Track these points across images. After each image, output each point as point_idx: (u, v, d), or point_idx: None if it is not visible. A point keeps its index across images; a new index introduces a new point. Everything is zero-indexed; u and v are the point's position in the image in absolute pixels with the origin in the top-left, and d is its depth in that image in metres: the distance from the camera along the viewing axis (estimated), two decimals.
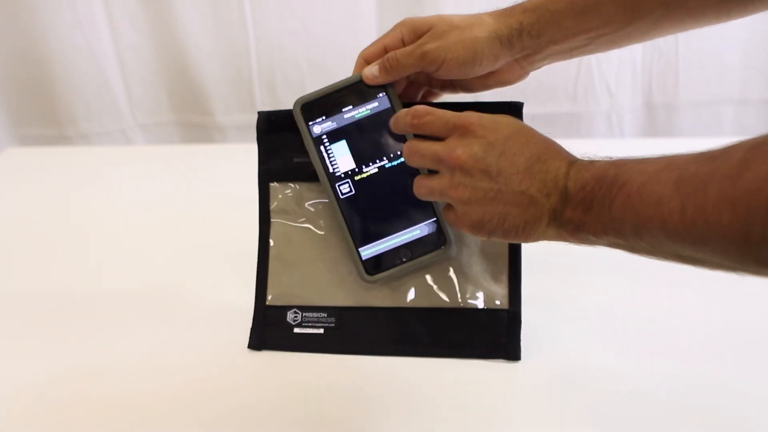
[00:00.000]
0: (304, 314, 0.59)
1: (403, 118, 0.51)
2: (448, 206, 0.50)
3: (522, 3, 0.52)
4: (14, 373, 0.56)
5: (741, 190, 0.32)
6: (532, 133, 0.47)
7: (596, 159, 0.44)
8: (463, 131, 0.47)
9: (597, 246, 0.44)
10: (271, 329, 0.58)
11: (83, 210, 0.86)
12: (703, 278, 0.63)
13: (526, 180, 0.45)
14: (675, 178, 0.36)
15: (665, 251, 0.39)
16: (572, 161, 0.45)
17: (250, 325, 0.59)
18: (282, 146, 0.59)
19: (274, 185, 0.60)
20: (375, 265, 0.57)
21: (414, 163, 0.51)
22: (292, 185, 0.60)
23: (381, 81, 0.54)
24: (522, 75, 0.55)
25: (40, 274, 0.72)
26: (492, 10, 0.53)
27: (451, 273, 0.58)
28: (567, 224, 0.44)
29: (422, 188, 0.51)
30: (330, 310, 0.58)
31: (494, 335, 0.56)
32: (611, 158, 0.43)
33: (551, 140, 0.48)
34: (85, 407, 0.52)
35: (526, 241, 0.47)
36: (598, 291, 0.64)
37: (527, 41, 0.51)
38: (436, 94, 0.59)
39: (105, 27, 1.19)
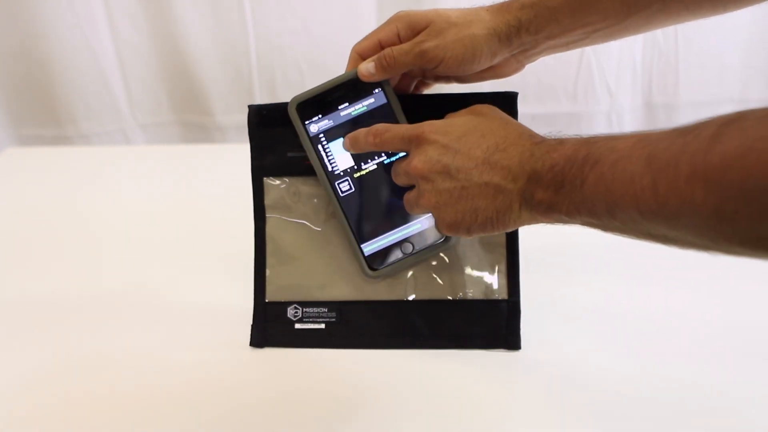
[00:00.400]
0: (304, 310, 0.58)
1: (363, 137, 0.52)
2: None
3: None
4: (15, 373, 0.56)
5: (713, 166, 0.32)
6: (489, 127, 0.47)
7: (565, 138, 0.44)
8: (418, 141, 0.48)
9: (570, 225, 0.44)
10: (272, 326, 0.58)
11: (83, 210, 0.86)
12: (702, 277, 0.64)
13: (486, 171, 0.45)
14: (646, 154, 0.36)
15: (638, 230, 0.39)
16: (537, 142, 0.45)
17: (251, 323, 0.59)
18: (275, 141, 0.58)
19: (268, 180, 0.59)
20: (378, 260, 0.57)
21: (398, 183, 0.53)
22: (287, 180, 0.59)
23: (377, 78, 0.53)
24: (518, 68, 0.55)
25: (40, 273, 0.71)
26: (489, 5, 0.52)
27: (450, 264, 0.58)
28: (538, 206, 0.44)
29: (406, 205, 0.52)
30: (330, 305, 0.58)
31: (494, 325, 0.57)
32: (581, 136, 0.43)
33: (513, 127, 0.47)
34: (85, 407, 0.52)
35: (505, 229, 0.47)
36: (595, 290, 0.64)
37: (525, 38, 0.51)
38: (428, 85, 0.59)
39: (105, 27, 1.19)
